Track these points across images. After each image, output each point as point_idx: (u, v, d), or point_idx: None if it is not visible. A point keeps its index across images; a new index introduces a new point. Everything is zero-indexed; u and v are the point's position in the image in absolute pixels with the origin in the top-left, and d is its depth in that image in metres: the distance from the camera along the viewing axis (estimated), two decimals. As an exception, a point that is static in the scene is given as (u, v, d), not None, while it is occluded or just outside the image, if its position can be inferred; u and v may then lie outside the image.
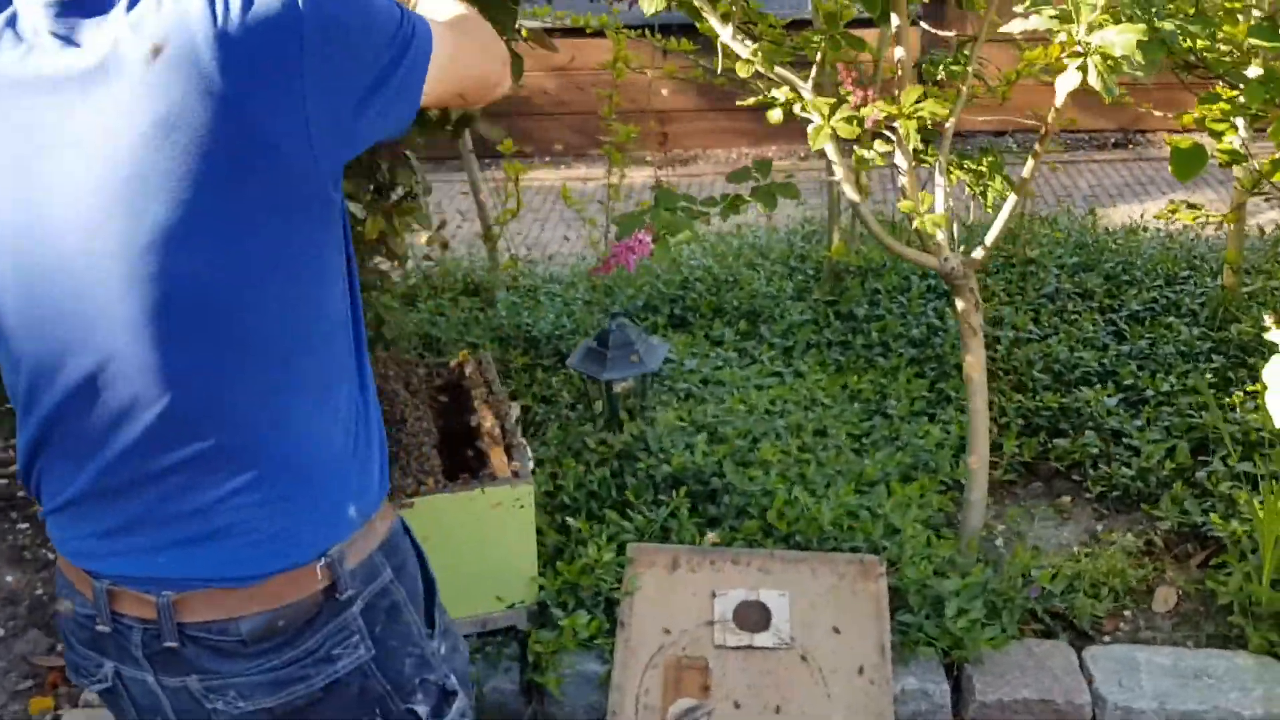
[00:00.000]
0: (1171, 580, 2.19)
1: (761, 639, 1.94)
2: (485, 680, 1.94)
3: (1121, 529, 2.32)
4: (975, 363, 2.10)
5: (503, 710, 1.96)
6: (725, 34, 1.88)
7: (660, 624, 1.97)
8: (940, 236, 1.97)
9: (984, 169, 2.16)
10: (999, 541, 2.33)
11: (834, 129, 1.83)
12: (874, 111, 1.73)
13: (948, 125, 1.93)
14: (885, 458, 2.38)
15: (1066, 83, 1.51)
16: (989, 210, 2.18)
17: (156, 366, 1.08)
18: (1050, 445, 2.58)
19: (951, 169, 2.12)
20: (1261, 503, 2.02)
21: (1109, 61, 1.46)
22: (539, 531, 2.13)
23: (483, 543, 1.90)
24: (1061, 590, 2.06)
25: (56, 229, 1.06)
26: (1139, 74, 1.51)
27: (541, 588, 1.98)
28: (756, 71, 1.89)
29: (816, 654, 1.92)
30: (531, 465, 2.08)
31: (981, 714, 1.90)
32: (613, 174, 3.44)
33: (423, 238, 2.58)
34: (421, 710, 1.30)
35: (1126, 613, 2.16)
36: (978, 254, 2.00)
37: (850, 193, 1.95)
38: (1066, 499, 2.49)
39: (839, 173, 1.96)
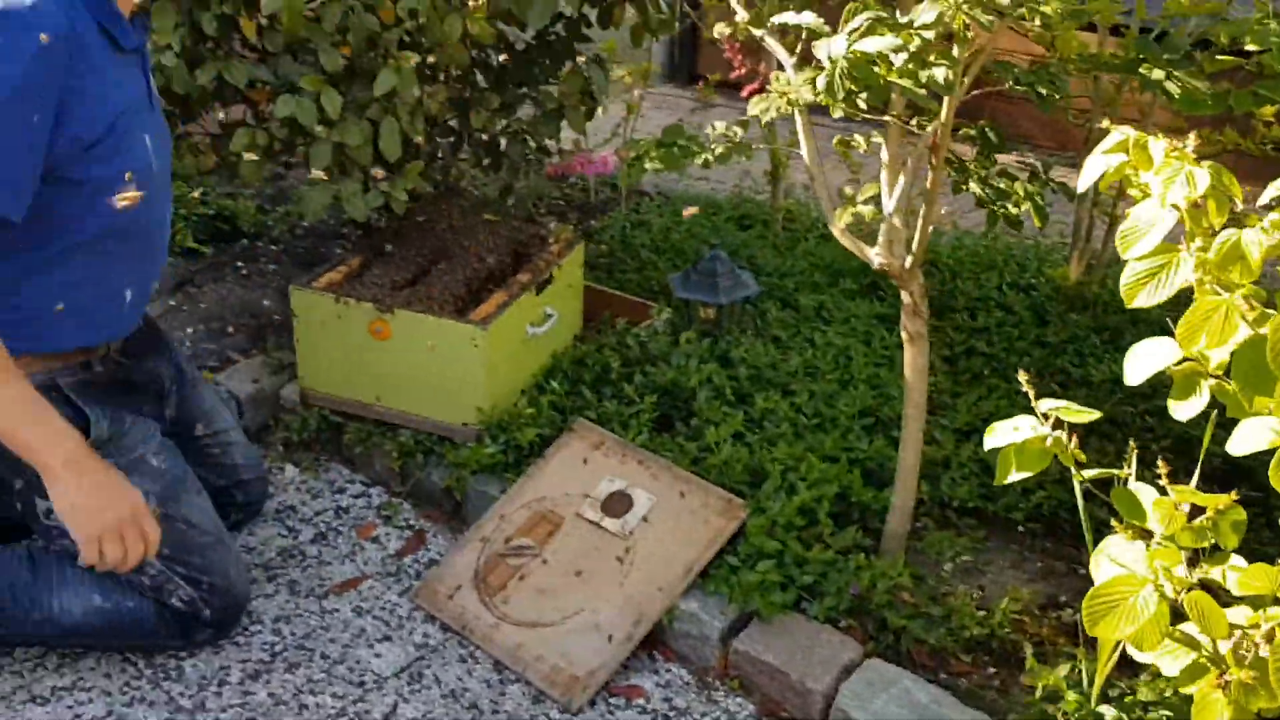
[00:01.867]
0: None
1: (609, 523, 2.24)
2: (428, 469, 2.48)
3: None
4: (911, 367, 2.11)
5: (432, 497, 2.49)
6: None
7: (552, 482, 2.34)
8: (885, 232, 2.02)
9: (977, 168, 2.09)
10: (947, 568, 2.29)
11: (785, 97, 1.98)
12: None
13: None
14: (876, 448, 2.43)
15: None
16: (995, 226, 2.12)
17: None
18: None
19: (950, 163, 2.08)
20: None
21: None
22: (547, 376, 2.58)
23: (447, 363, 2.41)
24: (883, 604, 2.05)
25: None
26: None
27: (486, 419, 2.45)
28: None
29: (637, 551, 2.18)
30: (546, 327, 2.53)
31: (733, 659, 2.03)
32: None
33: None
34: None
35: (992, 670, 2.07)
36: (909, 259, 2.01)
37: (807, 157, 2.04)
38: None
39: (803, 144, 2.08)
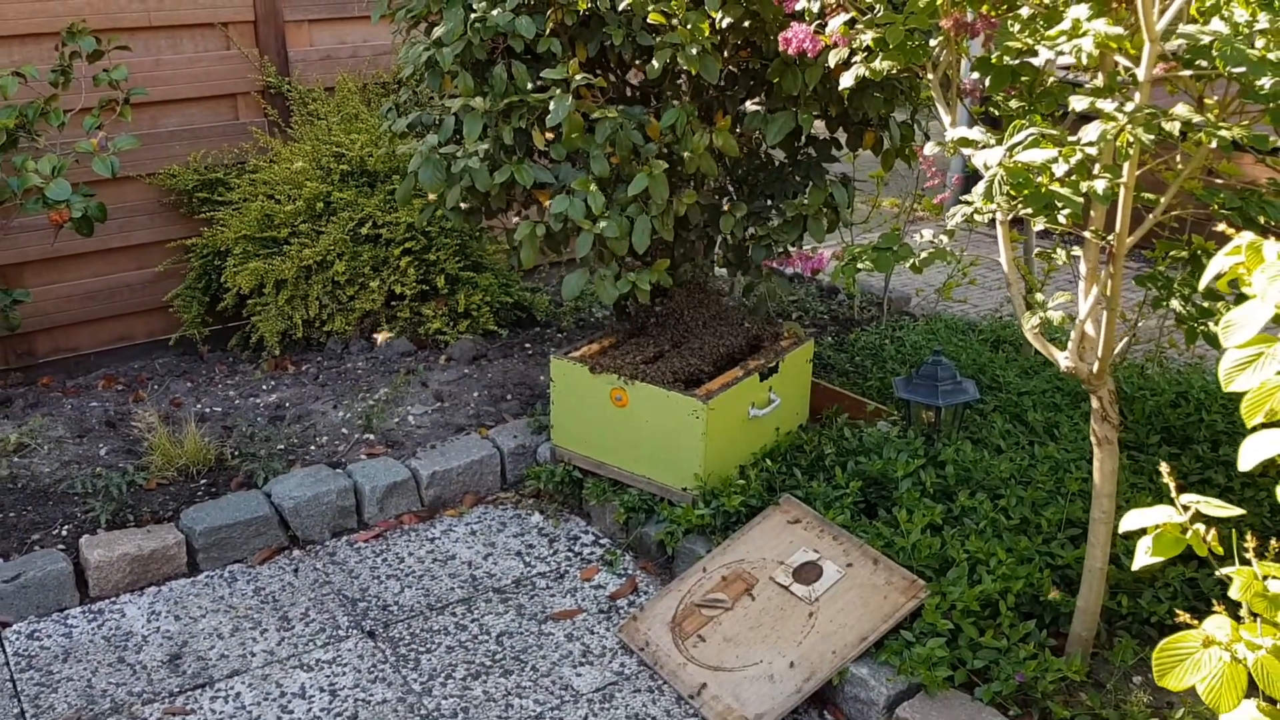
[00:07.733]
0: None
1: (798, 588, 2.43)
2: (647, 525, 2.78)
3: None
4: (1100, 471, 2.19)
5: (648, 550, 2.77)
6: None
7: (753, 547, 2.56)
8: (1078, 336, 2.14)
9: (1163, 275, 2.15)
10: (1136, 680, 2.29)
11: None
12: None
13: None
14: (1076, 557, 2.47)
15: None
16: (1153, 334, 2.18)
17: None
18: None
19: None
20: None
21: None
22: (766, 455, 2.83)
23: (671, 431, 2.71)
24: (1049, 693, 2.10)
25: None
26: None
27: (703, 484, 2.72)
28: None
29: (820, 616, 2.35)
30: (767, 410, 2.79)
31: (892, 726, 2.15)
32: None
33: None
34: None
35: (1160, 781, 2.06)
36: (1096, 365, 2.11)
37: (1005, 264, 2.20)
38: None
39: (1002, 252, 2.24)
